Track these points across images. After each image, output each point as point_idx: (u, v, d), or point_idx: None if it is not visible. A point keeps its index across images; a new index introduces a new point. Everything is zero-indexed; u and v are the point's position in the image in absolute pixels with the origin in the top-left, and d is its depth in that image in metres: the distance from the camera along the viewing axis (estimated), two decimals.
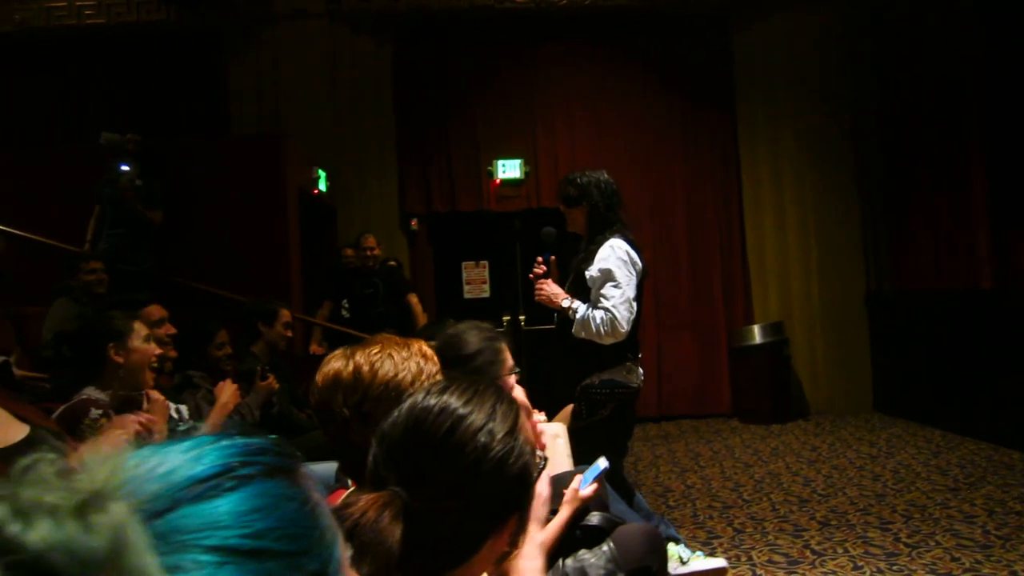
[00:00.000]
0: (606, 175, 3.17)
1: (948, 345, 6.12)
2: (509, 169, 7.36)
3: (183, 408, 2.78)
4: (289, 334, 4.17)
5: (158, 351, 2.56)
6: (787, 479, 4.97)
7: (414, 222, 7.45)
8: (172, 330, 3.12)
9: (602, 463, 1.76)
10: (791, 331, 7.29)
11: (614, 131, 7.45)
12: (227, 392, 2.78)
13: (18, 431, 1.61)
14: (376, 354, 1.38)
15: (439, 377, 1.41)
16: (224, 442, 0.51)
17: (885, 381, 7.20)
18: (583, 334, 3.02)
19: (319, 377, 1.40)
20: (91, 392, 2.39)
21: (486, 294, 7.59)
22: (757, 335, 7.13)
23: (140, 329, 2.48)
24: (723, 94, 7.52)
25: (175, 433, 2.67)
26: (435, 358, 1.45)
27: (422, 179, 7.40)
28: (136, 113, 7.07)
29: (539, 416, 2.73)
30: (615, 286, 2.98)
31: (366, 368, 1.36)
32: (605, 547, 1.98)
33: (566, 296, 3.09)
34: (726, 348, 7.41)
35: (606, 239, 3.06)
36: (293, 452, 0.54)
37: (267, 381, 3.43)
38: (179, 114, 7.19)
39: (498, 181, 7.36)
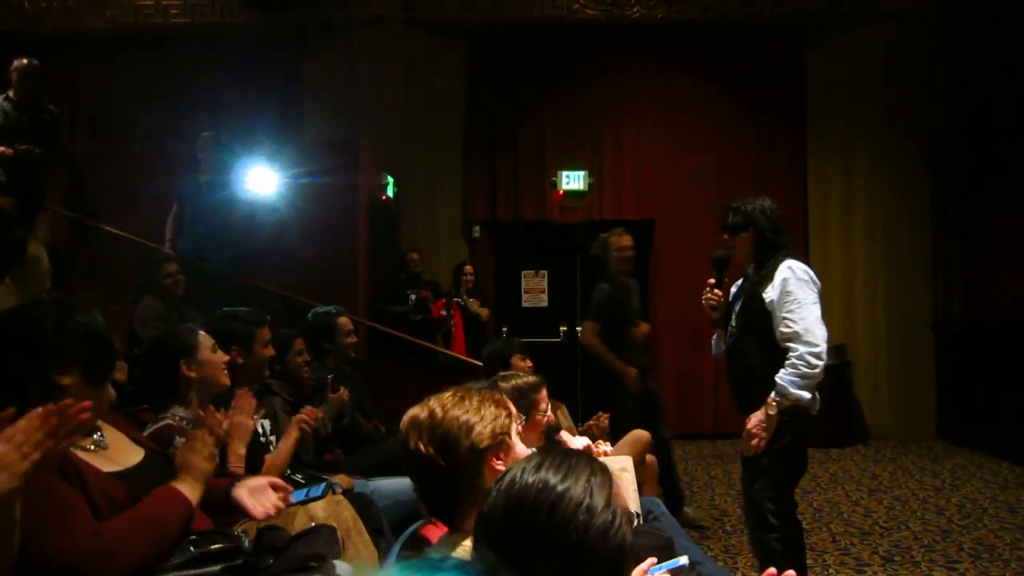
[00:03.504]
0: (769, 201, 3.06)
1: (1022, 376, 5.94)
2: (573, 180, 7.39)
3: (265, 423, 2.84)
4: (352, 340, 4.15)
5: (226, 358, 2.48)
6: (847, 508, 4.89)
7: (476, 229, 7.53)
8: (272, 352, 2.95)
9: (683, 560, 1.72)
10: (853, 354, 7.16)
11: (682, 145, 7.40)
12: (295, 428, 2.74)
13: (136, 454, 1.75)
14: (448, 397, 1.51)
15: (507, 423, 1.47)
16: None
17: (950, 409, 7.02)
18: (803, 384, 2.77)
19: (402, 426, 1.51)
20: (176, 412, 2.32)
21: (544, 304, 7.64)
22: None
23: (205, 340, 2.41)
24: (795, 109, 7.41)
25: (258, 446, 2.72)
26: (507, 404, 1.51)
27: (487, 187, 7.46)
28: (215, 111, 7.26)
29: (605, 447, 2.74)
30: (801, 307, 2.82)
31: (439, 409, 1.48)
32: None
33: (768, 404, 2.81)
34: None
35: (780, 261, 2.92)
36: None
37: (338, 394, 3.43)
38: (256, 114, 7.36)
39: (561, 192, 7.38)
